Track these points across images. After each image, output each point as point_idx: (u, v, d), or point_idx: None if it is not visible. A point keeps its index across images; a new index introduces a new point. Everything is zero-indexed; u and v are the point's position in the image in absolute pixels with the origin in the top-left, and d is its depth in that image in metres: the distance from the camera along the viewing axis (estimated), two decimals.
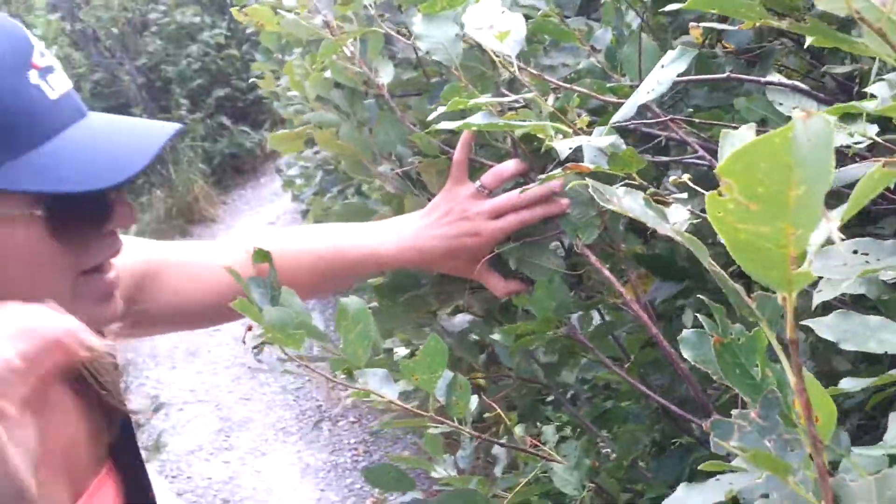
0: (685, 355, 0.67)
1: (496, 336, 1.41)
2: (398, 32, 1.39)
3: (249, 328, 1.08)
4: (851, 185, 0.53)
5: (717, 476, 0.63)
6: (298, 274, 1.38)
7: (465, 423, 1.18)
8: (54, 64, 1.07)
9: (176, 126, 1.11)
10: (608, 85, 1.31)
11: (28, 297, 1.12)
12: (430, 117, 1.00)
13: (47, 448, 1.02)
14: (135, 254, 1.31)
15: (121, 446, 1.24)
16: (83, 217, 1.10)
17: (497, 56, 1.07)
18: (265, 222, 8.93)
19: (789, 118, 1.32)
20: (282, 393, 6.23)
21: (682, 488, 0.64)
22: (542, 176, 1.00)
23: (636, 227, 1.55)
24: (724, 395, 1.65)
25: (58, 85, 1.06)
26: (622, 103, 1.29)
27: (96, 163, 1.05)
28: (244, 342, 1.07)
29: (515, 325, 1.26)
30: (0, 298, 1.13)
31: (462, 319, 1.76)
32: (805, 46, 1.51)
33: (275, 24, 1.66)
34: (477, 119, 0.99)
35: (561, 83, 1.20)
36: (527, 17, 1.33)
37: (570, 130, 1.01)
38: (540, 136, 1.03)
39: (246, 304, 1.06)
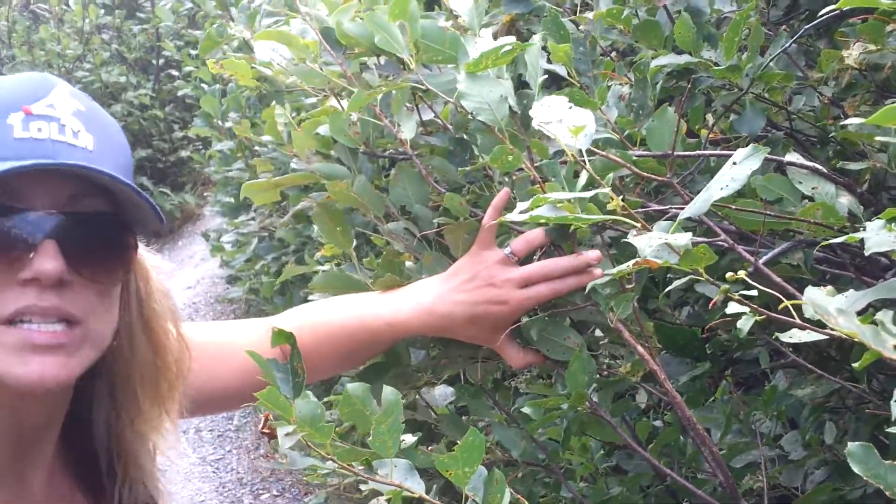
0: (855, 469, 0.58)
1: (527, 409, 1.31)
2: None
3: (267, 416, 0.96)
4: None
5: None
6: (319, 350, 1.30)
7: None
8: (62, 118, 1.06)
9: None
10: (633, 158, 1.27)
11: None
12: (514, 216, 0.95)
13: None
14: None
15: None
16: None
17: (570, 149, 1.06)
18: (184, 287, 8.66)
19: (807, 198, 1.28)
20: (200, 465, 5.96)
21: None
22: (614, 270, 0.95)
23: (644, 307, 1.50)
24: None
25: (39, 131, 1.04)
26: (648, 176, 1.25)
27: None
28: (263, 432, 0.96)
29: (545, 399, 1.22)
30: None
31: (444, 392, 1.65)
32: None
33: (249, 77, 1.57)
34: (546, 212, 0.94)
35: (597, 150, 1.14)
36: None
37: (639, 224, 0.97)
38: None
39: (273, 396, 0.94)
